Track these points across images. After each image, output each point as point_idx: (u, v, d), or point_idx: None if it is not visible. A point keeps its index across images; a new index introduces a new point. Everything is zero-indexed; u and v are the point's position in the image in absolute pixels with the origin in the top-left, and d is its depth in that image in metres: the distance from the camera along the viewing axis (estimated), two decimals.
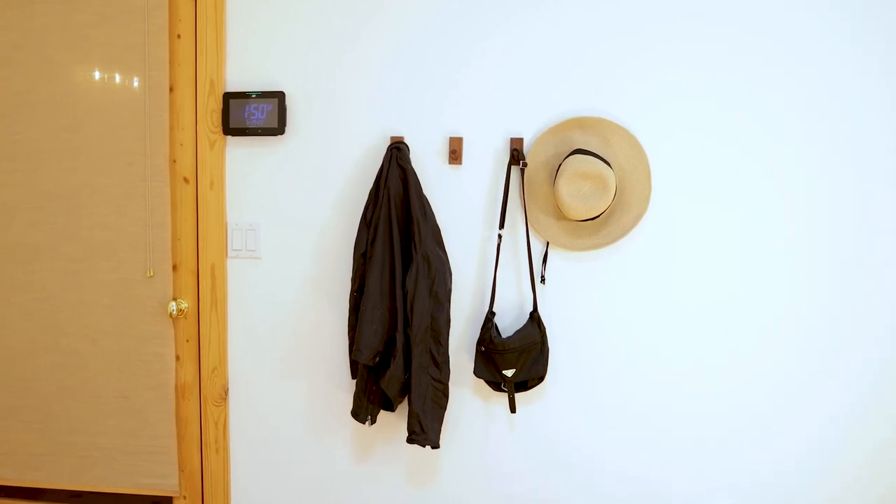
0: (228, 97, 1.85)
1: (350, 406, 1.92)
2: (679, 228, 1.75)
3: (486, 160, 1.79)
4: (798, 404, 1.77)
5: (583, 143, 1.71)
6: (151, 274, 1.90)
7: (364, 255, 1.72)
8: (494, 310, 1.81)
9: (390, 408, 1.79)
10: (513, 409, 1.76)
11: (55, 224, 1.93)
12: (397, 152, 1.72)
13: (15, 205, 1.93)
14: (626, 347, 1.80)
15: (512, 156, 1.74)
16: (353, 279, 1.74)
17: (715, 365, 1.78)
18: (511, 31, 1.76)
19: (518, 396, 1.84)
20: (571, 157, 1.67)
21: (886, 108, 1.64)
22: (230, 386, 1.97)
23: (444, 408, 1.73)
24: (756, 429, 1.79)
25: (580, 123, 1.71)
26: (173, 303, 1.89)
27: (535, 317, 1.74)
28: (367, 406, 1.75)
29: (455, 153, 1.78)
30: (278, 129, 1.83)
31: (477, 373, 1.75)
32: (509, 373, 1.71)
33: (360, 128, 1.83)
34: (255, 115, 1.82)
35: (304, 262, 1.89)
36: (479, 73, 1.77)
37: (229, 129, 1.85)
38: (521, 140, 1.75)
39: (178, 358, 1.96)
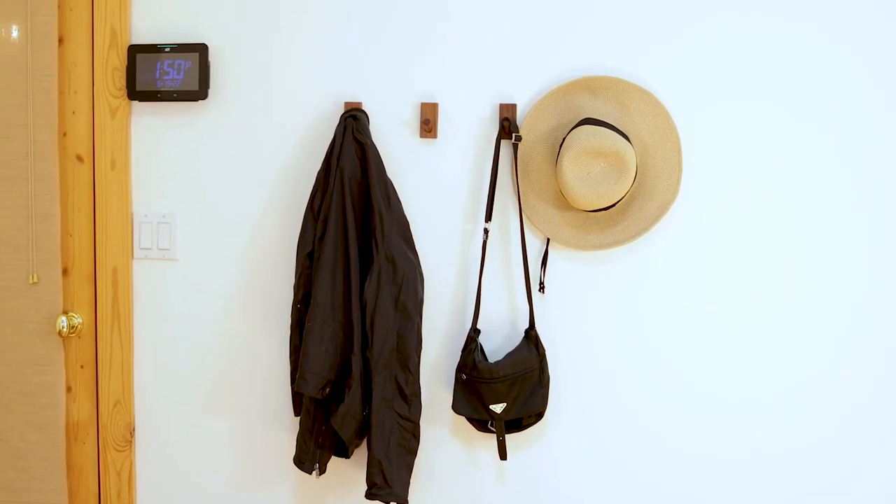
0: (135, 51, 1.77)
1: (292, 451, 1.82)
2: (718, 221, 1.70)
3: (469, 133, 1.74)
4: (887, 444, 1.69)
5: (594, 112, 1.67)
6: (35, 280, 1.84)
7: (310, 255, 1.67)
8: (479, 327, 1.75)
9: (344, 453, 1.72)
10: (503, 456, 1.69)
11: None
12: (353, 123, 1.66)
13: None
14: (649, 376, 1.75)
15: (502, 127, 1.69)
16: (297, 287, 1.69)
17: (767, 400, 1.71)
18: None
19: (510, 438, 1.75)
20: (579, 128, 1.62)
21: None
22: (137, 425, 1.90)
23: (415, 453, 1.68)
24: (829, 480, 1.71)
25: (590, 85, 1.68)
26: (63, 317, 1.81)
27: (531, 336, 1.69)
28: (314, 451, 1.68)
29: (428, 124, 1.74)
30: (199, 92, 1.77)
31: (457, 408, 1.69)
32: (498, 408, 1.65)
33: (305, 91, 1.79)
34: (169, 74, 1.77)
35: (234, 264, 1.84)
36: (461, 21, 1.72)
37: (136, 93, 1.79)
38: (513, 107, 1.71)
39: (69, 389, 1.89)
